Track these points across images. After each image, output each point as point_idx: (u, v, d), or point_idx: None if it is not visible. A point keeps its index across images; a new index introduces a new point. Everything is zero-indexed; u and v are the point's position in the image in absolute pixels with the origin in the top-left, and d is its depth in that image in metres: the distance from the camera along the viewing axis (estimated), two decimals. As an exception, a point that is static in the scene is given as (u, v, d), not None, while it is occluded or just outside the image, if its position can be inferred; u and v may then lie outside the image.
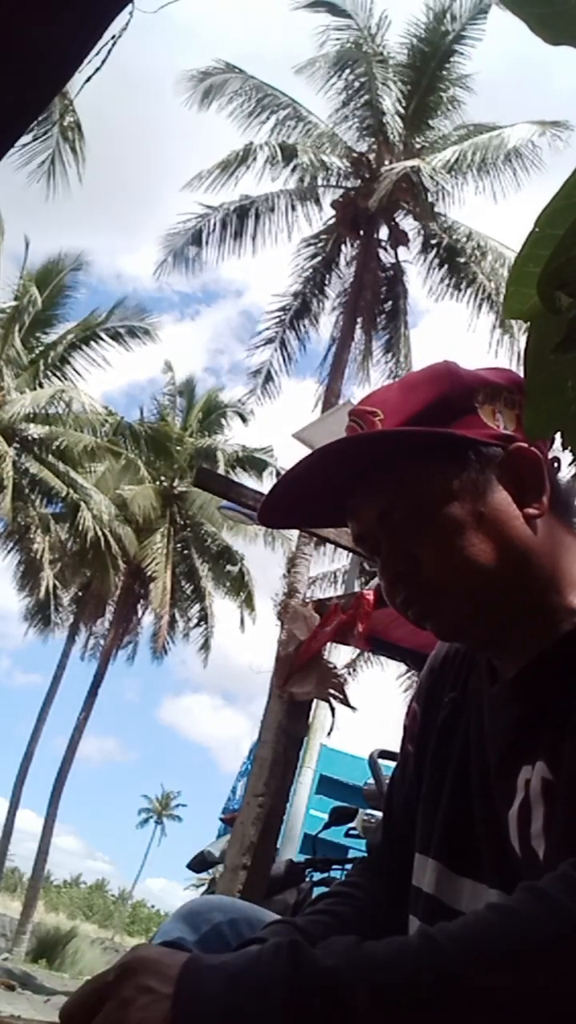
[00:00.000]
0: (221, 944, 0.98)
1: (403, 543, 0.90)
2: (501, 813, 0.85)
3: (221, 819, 8.59)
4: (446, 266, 15.85)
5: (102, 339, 19.91)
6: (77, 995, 0.68)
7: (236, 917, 1.03)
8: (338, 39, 15.02)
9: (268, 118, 15.31)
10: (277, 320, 16.35)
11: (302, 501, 0.98)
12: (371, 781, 4.07)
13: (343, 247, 16.14)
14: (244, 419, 20.74)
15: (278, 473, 21.61)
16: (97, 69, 2.48)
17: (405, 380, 0.98)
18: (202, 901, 1.07)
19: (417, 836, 0.98)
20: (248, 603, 21.99)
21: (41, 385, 19.66)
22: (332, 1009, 0.59)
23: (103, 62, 2.43)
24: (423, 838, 0.97)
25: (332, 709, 4.32)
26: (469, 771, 0.93)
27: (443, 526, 0.88)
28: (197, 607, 23.11)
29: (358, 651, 12.64)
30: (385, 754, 4.04)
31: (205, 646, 22.99)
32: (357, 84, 15.21)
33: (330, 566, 16.59)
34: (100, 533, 19.63)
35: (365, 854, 3.88)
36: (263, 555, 22.02)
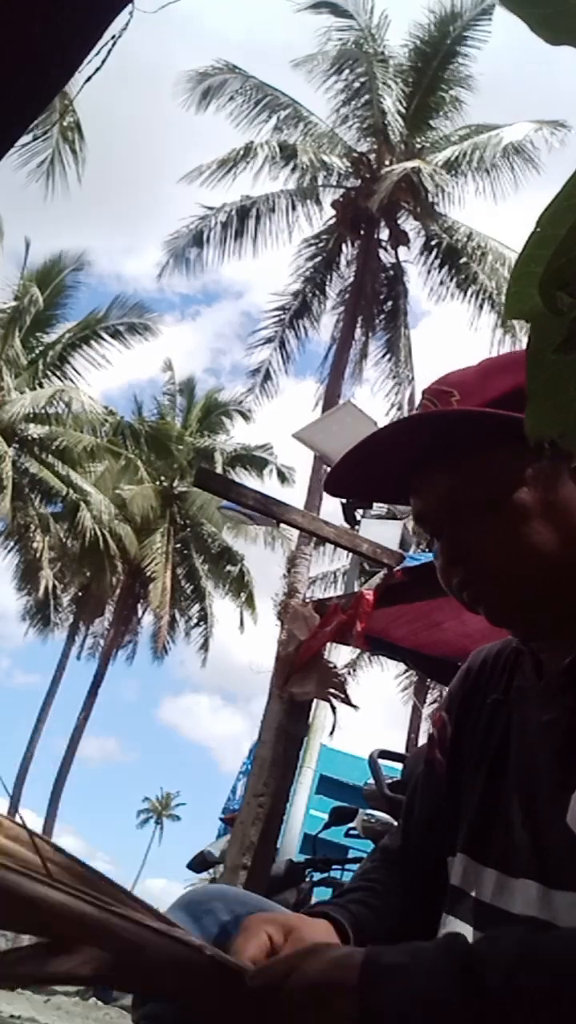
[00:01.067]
0: (222, 935, 0.97)
1: (468, 526, 0.90)
2: (561, 805, 0.84)
3: (221, 819, 8.59)
4: (447, 266, 15.86)
5: (102, 337, 19.91)
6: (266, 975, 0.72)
7: (237, 907, 1.01)
8: (340, 39, 15.03)
9: (269, 118, 15.32)
10: (276, 320, 16.36)
11: (368, 473, 0.99)
12: (371, 781, 4.08)
13: (343, 247, 16.15)
14: (246, 417, 20.74)
15: (278, 472, 21.63)
16: (97, 69, 2.47)
17: (484, 365, 0.97)
18: (202, 890, 1.05)
19: (460, 838, 0.97)
20: (248, 603, 21.99)
21: (41, 385, 19.66)
22: None
23: (103, 62, 2.43)
24: (470, 842, 0.96)
25: (333, 708, 4.32)
26: (508, 768, 0.93)
27: (511, 512, 0.88)
28: (197, 607, 23.12)
29: (358, 651, 12.64)
30: (385, 754, 4.04)
31: (205, 646, 23.00)
32: (358, 84, 15.21)
33: (330, 566, 16.62)
34: (100, 533, 19.63)
35: (366, 854, 3.88)
36: (263, 555, 22.04)
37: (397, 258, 16.41)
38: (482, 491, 0.89)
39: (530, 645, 0.97)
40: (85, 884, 0.71)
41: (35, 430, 19.60)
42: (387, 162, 15.30)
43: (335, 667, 4.29)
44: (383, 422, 7.27)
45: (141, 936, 0.70)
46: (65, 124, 12.03)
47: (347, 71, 15.12)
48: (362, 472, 1.00)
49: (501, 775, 0.93)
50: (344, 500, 6.36)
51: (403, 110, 15.26)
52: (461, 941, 0.71)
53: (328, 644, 4.26)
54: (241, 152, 15.10)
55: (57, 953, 0.70)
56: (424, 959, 0.69)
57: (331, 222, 16.01)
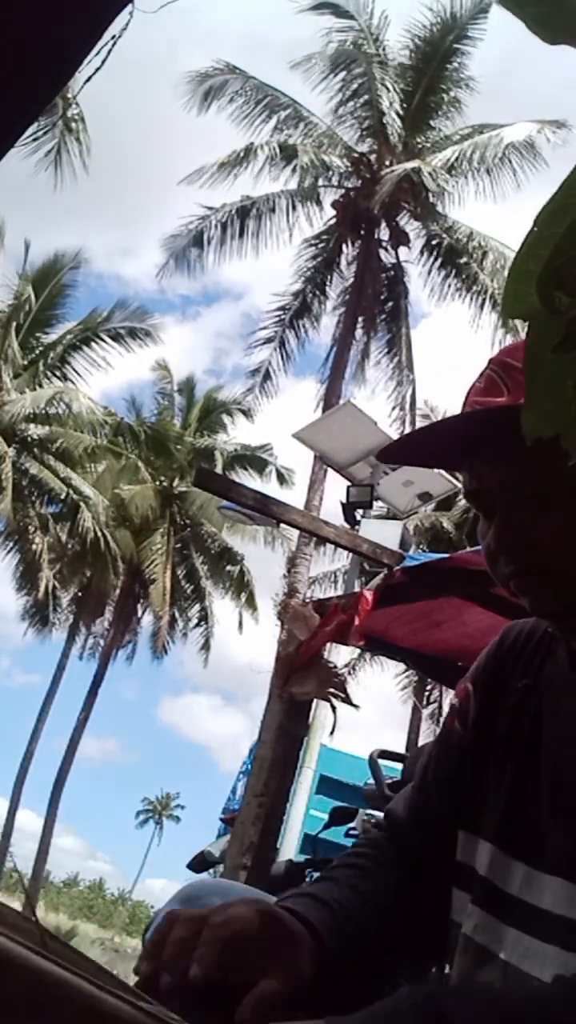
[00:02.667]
0: None
1: (523, 517, 0.89)
2: None
3: (221, 819, 8.59)
4: (447, 266, 15.86)
5: (102, 339, 19.92)
6: None
7: (234, 901, 1.01)
8: (341, 41, 15.03)
9: (269, 118, 15.32)
10: (277, 320, 16.36)
11: (425, 441, 1.00)
12: (371, 781, 4.07)
13: (344, 247, 16.15)
14: (248, 415, 20.75)
15: (278, 472, 21.64)
16: (97, 69, 2.48)
17: None
18: (199, 884, 1.03)
19: (468, 815, 0.97)
20: (249, 603, 22.00)
21: (41, 385, 19.67)
22: None
23: (103, 62, 2.43)
24: (475, 818, 0.95)
25: (333, 708, 4.32)
26: (540, 757, 0.92)
27: (572, 508, 0.87)
28: (197, 607, 23.12)
29: (358, 651, 12.63)
30: (385, 754, 4.04)
31: (205, 646, 23.00)
32: (357, 84, 15.21)
33: (330, 566, 16.61)
34: (99, 533, 19.64)
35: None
36: (263, 555, 22.04)
37: (397, 258, 16.42)
38: (545, 483, 0.87)
39: (568, 635, 0.96)
40: (79, 964, 0.69)
41: (35, 430, 19.61)
42: (387, 162, 15.30)
43: (335, 667, 4.29)
44: (383, 422, 7.24)
45: (135, 1019, 0.68)
46: (68, 116, 12.06)
47: (346, 71, 15.13)
48: (423, 440, 1.01)
49: (532, 765, 0.92)
50: (345, 500, 6.36)
51: (403, 110, 15.26)
52: (430, 1003, 0.69)
53: (328, 644, 4.26)
54: (242, 152, 15.11)
55: None
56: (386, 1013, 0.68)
57: (331, 222, 16.02)
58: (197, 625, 23.16)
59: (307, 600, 5.26)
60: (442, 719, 1.09)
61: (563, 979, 0.74)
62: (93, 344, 19.93)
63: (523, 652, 1.02)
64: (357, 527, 5.91)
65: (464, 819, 0.97)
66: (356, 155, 15.71)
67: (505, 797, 0.93)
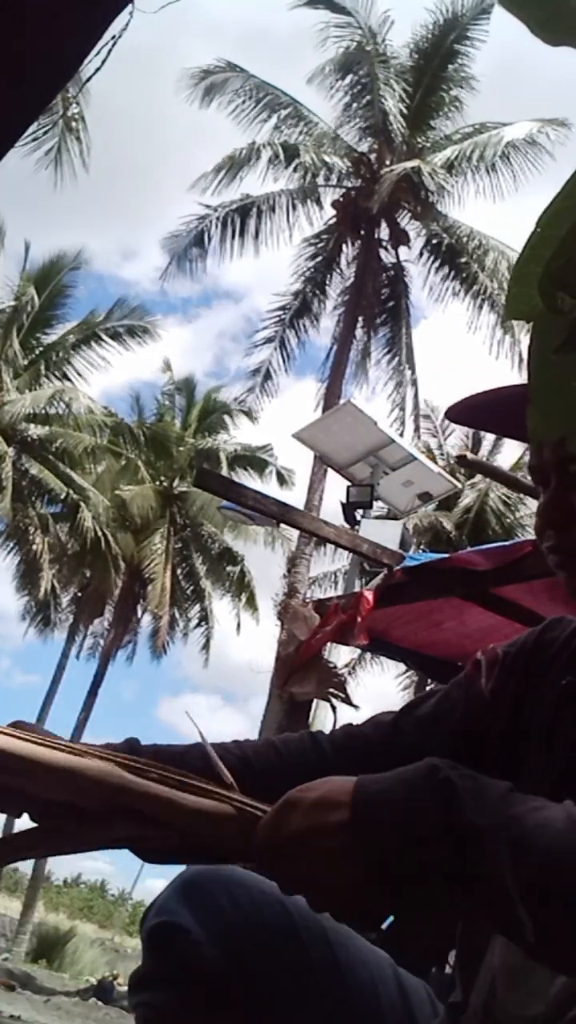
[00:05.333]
0: (220, 921, 0.92)
1: (572, 493, 0.92)
2: None
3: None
4: (447, 266, 15.86)
5: (102, 339, 19.92)
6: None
7: (237, 890, 0.96)
8: (339, 36, 15.02)
9: (269, 117, 15.32)
10: (277, 319, 16.37)
11: (498, 411, 1.01)
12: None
13: (344, 247, 16.15)
14: (248, 416, 20.74)
15: (278, 472, 21.64)
16: (97, 69, 2.48)
17: None
18: (195, 871, 1.00)
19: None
20: (250, 604, 22.00)
21: (41, 385, 19.67)
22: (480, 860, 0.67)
23: (103, 62, 2.43)
24: None
25: (333, 708, 4.32)
26: None
27: None
28: (197, 607, 23.12)
29: (358, 651, 12.64)
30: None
31: (206, 646, 23.01)
32: (359, 86, 15.22)
33: (330, 566, 16.60)
34: (100, 533, 19.64)
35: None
36: (263, 555, 22.04)
37: (398, 258, 16.42)
38: None
39: None
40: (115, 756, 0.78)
41: (35, 430, 19.61)
42: (387, 162, 15.31)
43: (335, 667, 4.29)
44: (384, 422, 7.26)
45: (175, 796, 0.75)
46: (69, 114, 12.08)
47: (350, 73, 15.14)
48: (496, 409, 1.01)
49: (560, 756, 0.92)
50: (345, 500, 6.36)
51: (404, 110, 15.26)
52: (442, 772, 0.73)
53: (328, 644, 4.26)
54: (244, 152, 15.11)
55: (92, 820, 0.76)
56: (409, 787, 0.72)
57: (331, 222, 16.02)
58: (197, 625, 23.17)
59: (307, 600, 5.26)
60: (467, 666, 1.08)
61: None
62: (93, 344, 19.94)
63: (566, 648, 1.01)
64: (357, 527, 5.91)
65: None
66: (356, 155, 15.71)
67: (548, 791, 0.93)
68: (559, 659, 1.00)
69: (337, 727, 1.09)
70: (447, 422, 18.80)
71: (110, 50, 2.33)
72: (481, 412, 1.05)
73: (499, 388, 0.99)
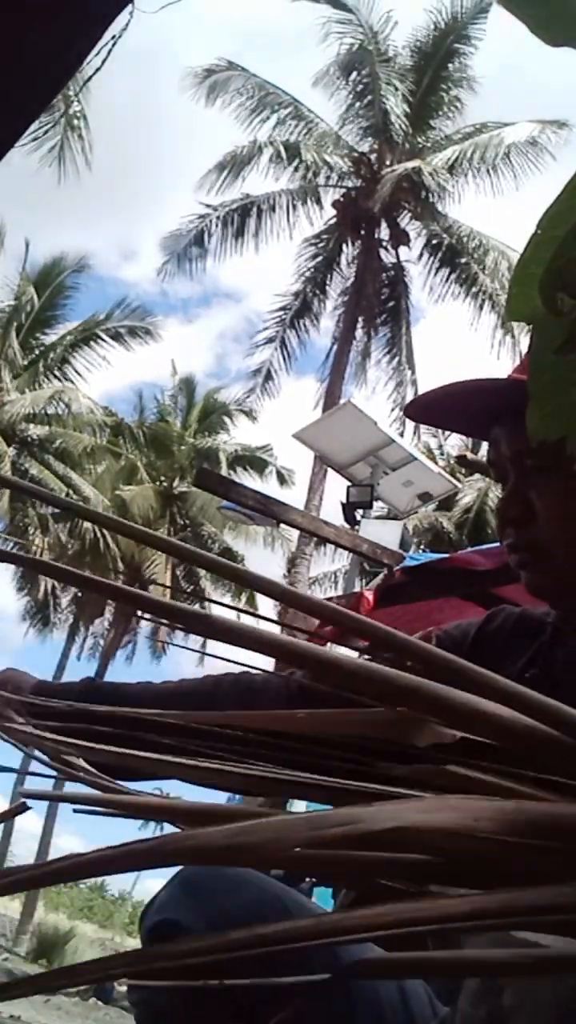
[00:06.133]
0: (220, 919, 0.91)
1: (529, 489, 0.91)
2: None
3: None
4: (447, 266, 15.86)
5: (102, 339, 19.93)
6: None
7: (235, 886, 0.95)
8: (340, 33, 15.01)
9: (269, 116, 15.32)
10: (277, 320, 16.37)
11: (451, 409, 0.99)
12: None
13: (344, 247, 16.15)
14: (249, 416, 20.74)
15: (278, 472, 21.64)
16: (97, 69, 2.48)
17: None
18: (194, 870, 0.98)
19: None
20: (250, 604, 22.00)
21: (41, 385, 19.67)
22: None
23: (103, 62, 2.43)
24: None
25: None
26: None
27: (574, 487, 0.88)
28: (197, 607, 23.12)
29: (358, 652, 12.59)
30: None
31: (204, 646, 23.00)
32: (360, 85, 15.22)
33: (330, 566, 16.62)
34: (99, 533, 19.65)
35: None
36: (263, 555, 22.03)
37: (398, 258, 16.42)
38: (552, 460, 0.87)
39: (567, 622, 0.95)
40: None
41: (35, 431, 19.61)
42: (388, 162, 15.31)
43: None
44: (384, 422, 7.26)
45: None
46: (70, 113, 12.10)
47: (352, 72, 15.14)
48: (450, 405, 1.00)
49: None
50: (345, 500, 6.36)
51: (404, 110, 15.26)
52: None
53: (328, 644, 4.26)
54: (245, 151, 15.11)
55: None
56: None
57: (332, 222, 16.02)
58: (197, 625, 23.17)
59: (307, 600, 5.26)
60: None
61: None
62: (93, 344, 19.94)
63: (513, 637, 0.99)
64: (357, 527, 5.91)
65: None
66: (357, 155, 15.71)
67: None
68: (507, 649, 0.98)
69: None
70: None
71: (110, 50, 2.33)
72: (433, 409, 1.03)
73: (450, 384, 0.96)
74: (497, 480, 0.97)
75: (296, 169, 15.24)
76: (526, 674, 0.96)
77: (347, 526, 5.90)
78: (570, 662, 0.94)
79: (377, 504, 6.69)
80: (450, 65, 15.31)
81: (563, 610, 0.95)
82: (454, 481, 8.46)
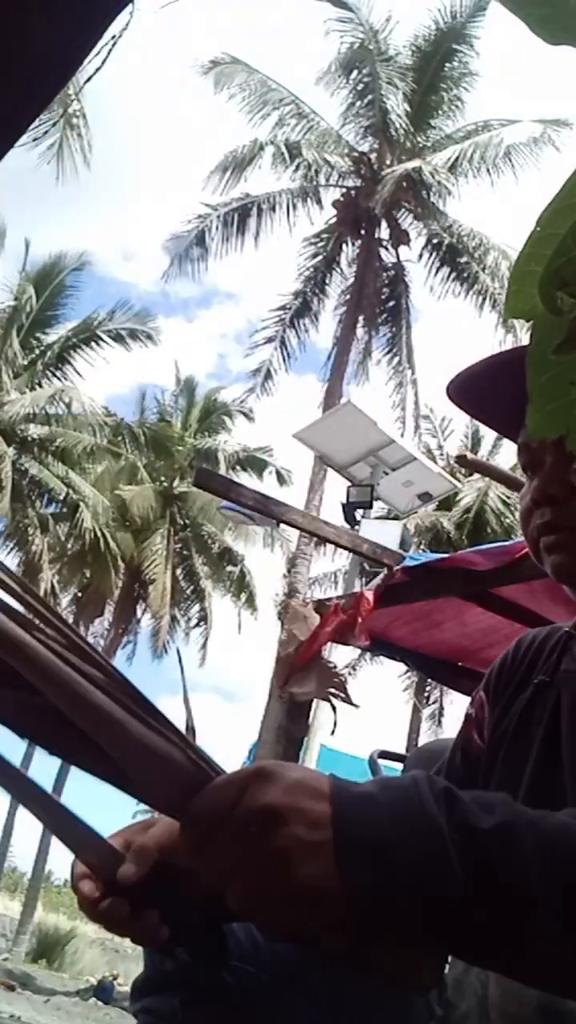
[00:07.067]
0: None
1: (569, 471, 0.90)
2: None
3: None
4: (448, 265, 15.86)
5: (102, 339, 19.92)
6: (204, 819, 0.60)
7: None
8: (341, 32, 15.01)
9: (271, 113, 15.31)
10: (277, 319, 16.36)
11: (493, 392, 0.95)
12: (371, 781, 4.07)
13: (344, 246, 16.15)
14: (249, 417, 20.75)
15: (278, 473, 21.65)
16: (97, 69, 2.48)
17: None
18: None
19: None
20: (250, 603, 22.01)
21: (41, 385, 19.67)
22: (500, 869, 0.57)
23: (103, 62, 2.43)
24: None
25: (333, 708, 4.31)
26: (559, 752, 0.90)
27: None
28: (197, 607, 23.13)
29: (358, 651, 12.64)
30: (385, 754, 4.03)
31: (204, 646, 23.01)
32: (361, 84, 15.22)
33: (330, 566, 16.62)
34: (99, 534, 19.64)
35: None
36: (263, 555, 22.05)
37: (398, 257, 16.42)
38: None
39: None
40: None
41: (35, 430, 19.61)
42: (388, 161, 15.30)
43: (335, 667, 4.29)
44: (384, 422, 7.27)
45: (122, 716, 0.63)
46: (70, 112, 12.11)
47: (353, 71, 15.13)
48: (488, 388, 0.96)
49: (551, 761, 0.91)
50: (345, 500, 6.35)
51: (405, 109, 15.27)
52: (441, 781, 0.63)
53: (328, 644, 4.26)
54: (246, 149, 15.10)
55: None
56: (400, 790, 0.61)
57: (332, 221, 16.02)
58: (196, 625, 23.18)
59: (307, 600, 5.26)
60: (457, 728, 1.07)
61: None
62: (93, 344, 19.93)
63: (539, 654, 1.02)
64: (357, 527, 5.91)
65: None
66: (357, 154, 15.70)
67: (526, 794, 0.91)
68: (533, 668, 1.01)
69: None
70: (447, 422, 18.79)
71: (110, 50, 2.33)
72: (472, 386, 0.99)
73: (492, 356, 0.94)
74: (526, 466, 0.95)
75: (297, 168, 15.24)
76: (535, 680, 0.98)
77: (347, 526, 5.90)
78: (571, 670, 0.95)
79: (377, 504, 6.69)
80: (450, 64, 15.31)
81: None
82: (454, 481, 8.46)
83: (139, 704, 0.64)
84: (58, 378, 19.99)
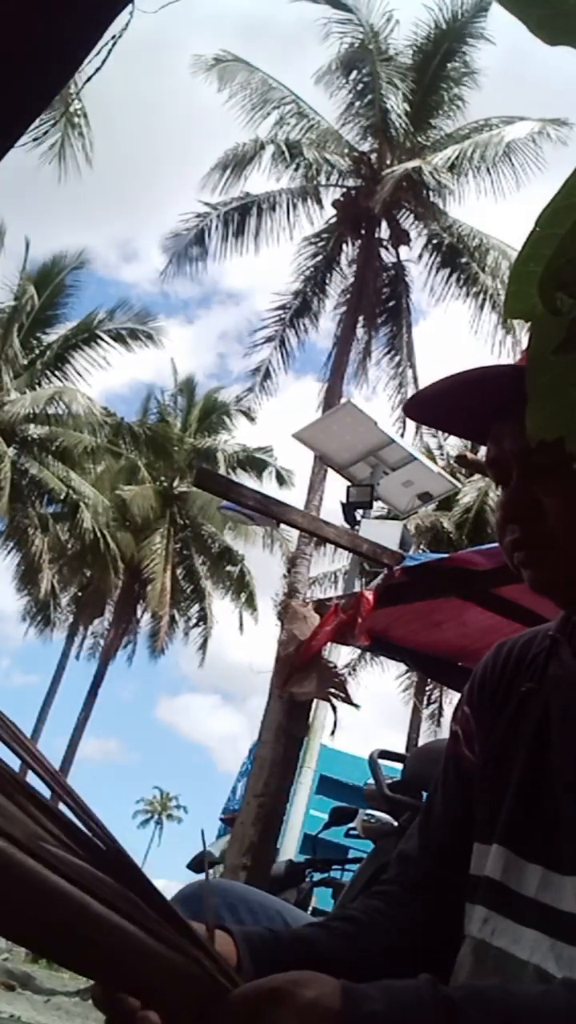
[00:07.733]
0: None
1: (535, 486, 0.89)
2: None
3: (221, 819, 8.59)
4: (448, 265, 15.85)
5: (103, 340, 19.91)
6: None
7: (235, 902, 0.98)
8: (341, 33, 15.00)
9: (271, 112, 15.29)
10: (277, 319, 16.35)
11: (451, 406, 0.95)
12: (371, 781, 4.07)
13: (344, 246, 16.14)
14: (249, 417, 20.73)
15: (278, 473, 21.64)
16: (97, 69, 2.48)
17: None
18: (199, 884, 1.01)
19: (477, 827, 0.94)
20: (250, 603, 22.01)
21: (41, 385, 19.67)
22: None
23: (103, 62, 2.43)
24: (485, 827, 0.93)
25: (333, 708, 4.31)
26: (549, 759, 0.90)
27: None
28: (196, 607, 23.13)
29: (358, 651, 12.64)
30: (385, 754, 4.03)
31: (204, 646, 23.02)
32: (361, 84, 15.21)
33: (330, 566, 16.60)
34: (99, 533, 19.64)
35: (366, 854, 3.88)
36: (263, 555, 22.04)
37: (398, 257, 16.41)
38: (560, 455, 0.87)
39: (572, 625, 0.95)
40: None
41: (35, 430, 19.61)
42: (388, 161, 15.30)
43: (335, 667, 4.29)
44: (384, 422, 7.26)
45: (136, 932, 0.65)
46: (71, 111, 12.11)
47: (353, 70, 15.12)
48: (447, 403, 0.95)
49: (541, 768, 0.90)
50: (345, 500, 6.36)
51: (405, 109, 15.26)
52: (441, 990, 0.69)
53: (328, 644, 4.26)
54: (247, 148, 15.09)
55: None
56: (406, 1007, 0.67)
57: (332, 221, 16.01)
58: (196, 625, 23.18)
59: (307, 600, 5.26)
60: (448, 743, 1.07)
61: (570, 980, 0.73)
62: (93, 343, 19.92)
63: (520, 662, 1.01)
64: (357, 527, 5.91)
65: (478, 830, 0.95)
66: (357, 154, 15.70)
67: (514, 801, 0.91)
68: (516, 675, 1.00)
69: (375, 888, 1.03)
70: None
71: (110, 50, 2.33)
72: (430, 405, 0.98)
73: (450, 376, 0.92)
74: (496, 480, 0.94)
75: (297, 168, 15.23)
76: (522, 688, 0.98)
77: (347, 526, 5.90)
78: (559, 676, 0.94)
79: (377, 504, 6.70)
80: (450, 64, 15.30)
81: (568, 605, 0.95)
82: (454, 481, 8.46)
83: (142, 894, 0.67)
84: (58, 378, 19.99)
